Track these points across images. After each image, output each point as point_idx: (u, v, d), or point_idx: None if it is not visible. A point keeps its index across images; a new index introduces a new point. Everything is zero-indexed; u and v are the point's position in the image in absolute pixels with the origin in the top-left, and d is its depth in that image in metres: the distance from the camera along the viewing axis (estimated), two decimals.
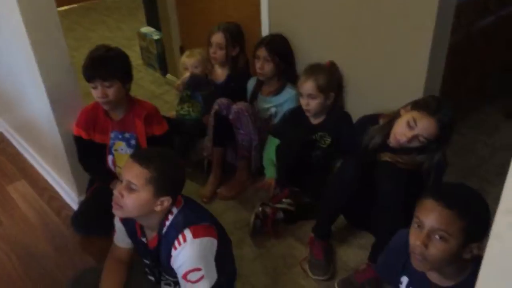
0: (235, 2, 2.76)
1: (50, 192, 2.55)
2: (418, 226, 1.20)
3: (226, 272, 1.63)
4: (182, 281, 1.47)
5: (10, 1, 1.83)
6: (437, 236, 1.16)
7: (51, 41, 1.95)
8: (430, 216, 1.17)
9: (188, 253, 1.42)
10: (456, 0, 1.93)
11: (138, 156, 1.43)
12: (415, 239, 1.19)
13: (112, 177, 2.10)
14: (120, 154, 2.09)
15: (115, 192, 1.42)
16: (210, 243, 1.46)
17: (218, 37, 2.53)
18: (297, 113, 2.31)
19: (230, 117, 2.36)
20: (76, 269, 1.99)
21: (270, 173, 2.36)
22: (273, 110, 2.50)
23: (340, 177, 1.91)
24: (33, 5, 1.85)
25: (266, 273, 2.01)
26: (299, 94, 2.24)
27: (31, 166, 2.74)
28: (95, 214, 2.10)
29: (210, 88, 2.58)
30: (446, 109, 1.69)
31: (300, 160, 2.24)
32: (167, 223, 1.48)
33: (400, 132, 1.74)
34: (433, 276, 1.27)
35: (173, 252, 1.44)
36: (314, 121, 2.26)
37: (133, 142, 2.06)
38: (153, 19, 3.64)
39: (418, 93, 1.94)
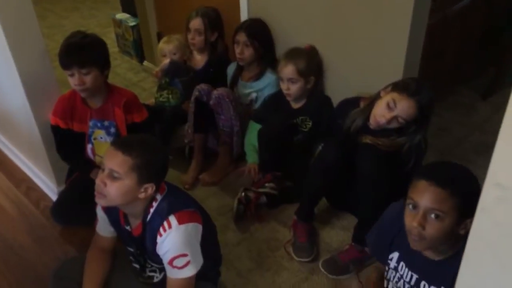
0: None
1: (27, 183, 2.50)
2: (413, 207, 1.21)
3: (211, 257, 1.64)
4: (168, 267, 1.46)
5: None
6: (432, 216, 1.18)
7: (24, 28, 1.90)
8: (423, 196, 1.19)
9: (174, 239, 1.42)
10: None
11: (120, 144, 1.41)
12: (411, 220, 1.21)
13: (92, 166, 2.07)
14: (100, 143, 2.05)
15: (98, 181, 1.39)
16: (195, 228, 1.46)
17: (196, 23, 2.50)
18: (278, 97, 2.31)
19: (211, 102, 2.34)
20: (58, 260, 1.96)
21: (252, 158, 2.36)
22: (253, 95, 2.50)
23: (322, 160, 1.93)
24: None
25: (251, 257, 2.02)
26: (279, 79, 2.23)
27: (7, 157, 2.67)
28: (75, 204, 2.08)
29: (189, 75, 2.55)
30: (425, 90, 1.71)
31: (281, 144, 2.25)
32: (152, 210, 1.46)
33: (380, 114, 1.76)
34: (427, 252, 1.30)
35: (159, 239, 1.44)
36: (295, 105, 2.27)
37: (112, 130, 2.02)
38: (128, 5, 3.56)
39: (397, 76, 1.95)
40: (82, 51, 1.84)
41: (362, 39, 2.08)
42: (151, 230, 1.46)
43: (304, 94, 2.22)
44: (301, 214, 2.04)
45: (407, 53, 1.94)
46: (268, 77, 2.44)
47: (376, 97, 1.82)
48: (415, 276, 1.33)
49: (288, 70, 2.15)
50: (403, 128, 1.78)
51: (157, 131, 2.39)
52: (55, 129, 2.03)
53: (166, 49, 2.62)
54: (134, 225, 1.53)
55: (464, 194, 1.16)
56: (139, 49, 3.58)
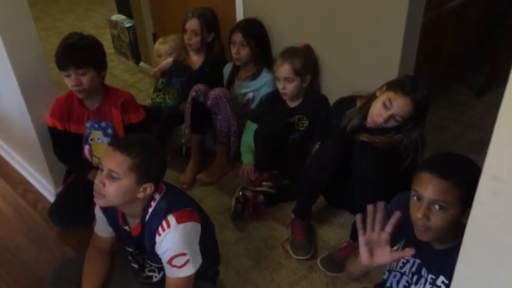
0: None
1: (24, 185, 2.50)
2: (417, 199, 1.23)
3: (210, 256, 1.64)
4: (167, 267, 1.47)
5: None
6: (436, 207, 1.19)
7: (21, 30, 1.90)
8: (427, 188, 1.20)
9: (173, 239, 1.42)
10: None
11: (119, 144, 1.41)
12: (415, 212, 1.23)
13: (89, 167, 2.07)
14: (97, 144, 2.05)
15: (96, 181, 1.39)
16: (194, 227, 1.47)
17: (193, 24, 2.51)
18: (274, 97, 2.32)
19: (208, 103, 2.35)
20: (56, 262, 1.97)
21: (247, 159, 2.37)
22: (250, 95, 2.50)
23: (318, 158, 1.94)
24: None
25: (249, 255, 2.03)
26: (275, 78, 2.24)
27: (3, 159, 2.67)
28: (73, 206, 2.07)
29: (188, 75, 2.56)
30: (421, 88, 1.73)
31: (278, 143, 2.26)
32: (150, 209, 1.47)
33: (377, 113, 1.77)
34: (431, 241, 1.31)
35: (157, 238, 1.44)
36: (291, 104, 2.28)
37: (109, 131, 2.02)
38: (124, 6, 3.56)
39: (393, 74, 1.97)
40: (78, 52, 1.84)
41: (358, 38, 2.09)
42: (149, 229, 1.47)
43: (300, 93, 2.23)
44: (299, 212, 2.05)
45: (402, 52, 1.96)
46: (265, 77, 2.45)
47: (372, 97, 1.83)
48: (417, 262, 1.35)
49: (284, 69, 2.16)
50: (400, 126, 1.80)
51: (154, 131, 2.40)
52: (52, 130, 2.03)
53: (162, 50, 2.63)
54: (133, 225, 1.53)
55: (467, 184, 1.17)
56: (135, 50, 3.58)
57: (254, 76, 2.48)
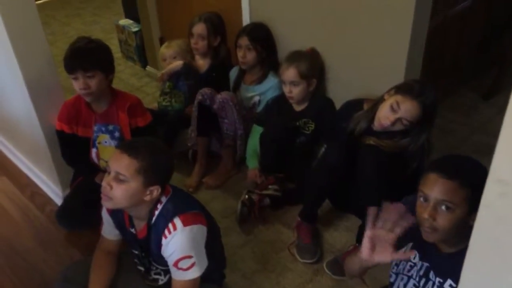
0: None
1: (32, 188, 2.51)
2: (424, 200, 1.23)
3: (216, 259, 1.64)
4: (173, 269, 1.47)
5: None
6: (443, 207, 1.19)
7: (30, 34, 1.92)
8: (434, 189, 1.20)
9: (179, 241, 1.43)
10: None
11: (126, 147, 1.42)
12: (422, 212, 1.23)
13: (96, 170, 2.09)
14: (104, 147, 2.07)
15: (104, 184, 1.41)
16: (200, 230, 1.47)
17: (199, 28, 2.52)
18: (281, 100, 2.32)
19: (215, 107, 2.36)
20: (64, 264, 1.98)
21: (252, 164, 2.38)
22: (256, 98, 2.51)
23: (325, 161, 1.94)
24: None
25: (255, 258, 2.03)
26: (281, 82, 2.25)
27: (11, 162, 2.69)
28: (80, 209, 2.08)
29: (196, 78, 2.58)
30: (429, 91, 1.72)
31: (284, 147, 2.26)
32: (156, 212, 1.48)
33: (384, 116, 1.77)
34: (439, 243, 1.31)
35: (164, 241, 1.45)
36: (298, 108, 2.28)
37: (117, 134, 2.04)
38: (131, 11, 3.59)
39: (399, 77, 1.97)
40: (87, 55, 1.86)
41: (364, 41, 2.09)
42: (156, 232, 1.47)
43: (306, 96, 2.23)
44: (305, 215, 2.05)
45: (409, 55, 1.96)
46: (271, 80, 2.46)
47: (380, 100, 1.83)
48: (425, 265, 1.34)
49: (290, 73, 2.16)
50: (406, 130, 1.79)
51: (161, 135, 2.41)
52: (60, 134, 2.05)
53: (166, 54, 2.66)
54: (139, 227, 1.54)
55: (474, 185, 1.17)
56: (142, 55, 3.60)
57: (260, 80, 2.49)
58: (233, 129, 2.40)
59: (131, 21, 3.63)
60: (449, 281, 1.28)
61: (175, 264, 1.45)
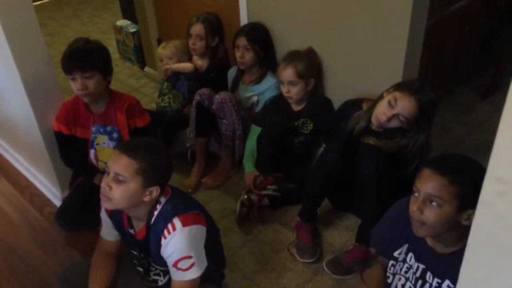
0: None
1: (31, 189, 2.51)
2: (416, 194, 1.26)
3: (216, 259, 1.64)
4: (172, 270, 1.47)
5: None
6: (431, 202, 1.22)
7: (27, 35, 1.92)
8: (425, 183, 1.23)
9: (178, 242, 1.43)
10: None
11: (125, 147, 1.42)
12: (412, 205, 1.26)
13: (95, 171, 2.09)
14: (102, 148, 2.07)
15: (103, 184, 1.40)
16: (199, 230, 1.47)
17: (197, 28, 2.52)
18: (279, 100, 2.32)
19: (214, 107, 2.36)
20: (63, 265, 1.98)
21: (248, 167, 2.38)
22: (255, 98, 2.51)
23: (324, 161, 1.94)
24: None
25: (254, 258, 2.03)
26: (279, 82, 2.25)
27: (10, 164, 2.69)
28: (79, 210, 2.09)
29: (195, 79, 2.58)
30: (427, 90, 1.73)
31: (282, 147, 2.26)
32: (156, 213, 1.47)
33: (381, 111, 1.77)
34: (433, 243, 1.32)
35: (163, 241, 1.45)
36: (296, 107, 2.28)
37: (115, 135, 2.04)
38: (129, 12, 3.58)
39: (397, 76, 1.97)
40: (84, 56, 1.86)
41: (362, 40, 2.09)
42: (155, 232, 1.47)
43: (304, 96, 2.23)
44: (304, 215, 2.05)
45: (407, 54, 1.95)
46: (269, 80, 2.46)
47: (379, 98, 1.83)
48: (421, 267, 1.35)
49: (287, 73, 2.16)
50: (404, 129, 1.79)
51: (159, 135, 2.41)
52: (58, 135, 2.05)
53: (163, 54, 2.67)
54: (138, 228, 1.54)
55: (465, 183, 1.19)
56: (140, 55, 3.60)
57: (259, 80, 2.48)
58: (232, 129, 2.40)
59: (128, 22, 3.63)
60: (447, 282, 1.29)
61: (175, 265, 1.45)
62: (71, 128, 2.03)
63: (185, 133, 2.51)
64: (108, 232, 1.67)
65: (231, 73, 2.61)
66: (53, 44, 3.98)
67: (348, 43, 2.16)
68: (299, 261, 2.00)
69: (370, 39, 2.05)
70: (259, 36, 2.42)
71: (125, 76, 3.61)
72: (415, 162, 1.80)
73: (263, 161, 2.32)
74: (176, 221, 1.43)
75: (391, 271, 1.44)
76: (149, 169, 1.38)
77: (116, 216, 1.58)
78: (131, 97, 2.10)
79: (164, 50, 2.66)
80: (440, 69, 2.73)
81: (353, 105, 1.97)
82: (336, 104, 2.16)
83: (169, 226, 1.43)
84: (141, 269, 1.66)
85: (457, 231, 1.25)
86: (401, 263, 1.41)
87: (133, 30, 3.52)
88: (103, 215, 1.63)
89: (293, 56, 2.21)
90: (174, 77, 2.61)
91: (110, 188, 1.38)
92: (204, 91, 2.38)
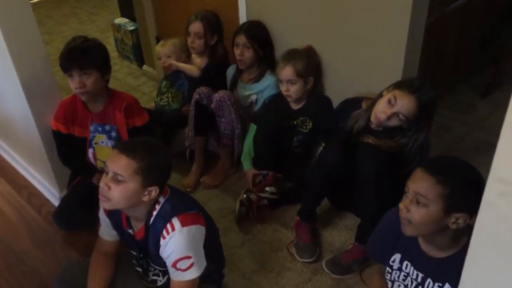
0: None
1: (29, 189, 2.50)
2: (407, 193, 1.27)
3: (215, 259, 1.64)
4: (171, 270, 1.47)
5: None
6: (418, 200, 1.23)
7: (24, 33, 1.91)
8: (415, 182, 1.24)
9: (177, 242, 1.42)
10: None
11: (124, 147, 1.41)
12: (401, 203, 1.28)
13: (93, 170, 2.08)
14: (101, 147, 2.06)
15: (102, 184, 1.39)
16: (198, 230, 1.46)
17: (196, 26, 2.51)
18: (278, 99, 2.31)
19: (212, 106, 2.35)
20: (61, 265, 1.97)
21: (246, 165, 2.38)
22: (253, 97, 2.50)
23: (323, 160, 1.93)
24: None
25: (253, 258, 2.03)
26: (278, 80, 2.24)
27: (8, 164, 2.68)
28: (77, 209, 2.08)
29: (195, 78, 2.58)
30: (428, 89, 1.72)
31: (281, 145, 2.25)
32: (154, 213, 1.47)
33: (380, 110, 1.76)
34: (427, 248, 1.32)
35: (162, 242, 1.44)
36: (295, 106, 2.27)
37: (113, 134, 2.03)
38: (127, 10, 3.57)
39: (396, 75, 1.96)
40: (82, 54, 1.85)
41: (361, 39, 2.08)
42: (154, 232, 1.46)
43: (303, 95, 2.22)
44: (303, 214, 2.04)
45: (406, 53, 1.95)
46: (268, 79, 2.45)
47: (378, 97, 1.82)
48: (420, 275, 1.34)
49: (286, 71, 2.15)
50: (403, 128, 1.78)
51: (158, 134, 2.40)
52: (56, 134, 2.03)
53: (161, 52, 2.66)
54: (137, 228, 1.53)
55: (452, 186, 1.19)
56: (138, 54, 3.58)
57: (258, 78, 2.48)
58: (231, 128, 2.39)
59: (127, 20, 3.61)
60: (447, 285, 1.28)
61: (174, 265, 1.44)
62: (69, 127, 2.02)
63: (184, 132, 2.50)
64: (106, 232, 1.66)
65: (230, 71, 2.60)
66: (50, 42, 3.97)
67: (347, 41, 2.15)
68: (298, 261, 1.99)
69: (370, 37, 2.05)
70: (258, 34, 2.41)
71: (123, 75, 3.60)
72: (415, 161, 1.80)
73: (260, 159, 2.31)
74: (175, 221, 1.42)
75: (389, 278, 1.44)
76: (148, 169, 1.37)
77: (115, 216, 1.58)
78: (130, 96, 2.09)
79: (163, 48, 2.66)
80: (440, 68, 2.72)
81: (353, 103, 1.96)
82: (336, 103, 2.15)
83: (168, 226, 1.42)
84: (140, 269, 1.65)
85: (450, 234, 1.25)
86: (397, 271, 1.40)
87: (132, 28, 3.50)
88: (102, 215, 1.62)
89: (292, 55, 2.20)
90: (174, 75, 2.60)
91: (109, 188, 1.37)
92: (203, 89, 2.37)
